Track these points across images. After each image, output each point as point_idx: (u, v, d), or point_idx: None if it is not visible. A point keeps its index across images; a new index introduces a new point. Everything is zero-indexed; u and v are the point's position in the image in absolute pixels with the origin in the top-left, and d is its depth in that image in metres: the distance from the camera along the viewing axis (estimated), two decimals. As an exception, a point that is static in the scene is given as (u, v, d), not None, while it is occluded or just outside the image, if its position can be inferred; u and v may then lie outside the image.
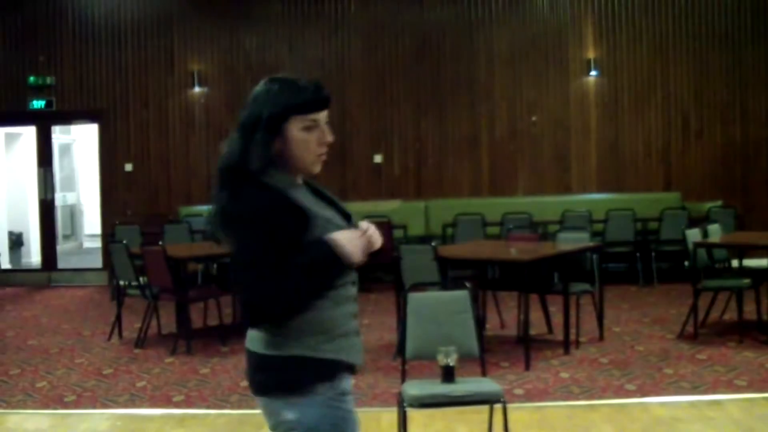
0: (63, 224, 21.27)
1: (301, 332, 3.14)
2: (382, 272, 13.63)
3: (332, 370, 3.21)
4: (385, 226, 13.55)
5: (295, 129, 3.13)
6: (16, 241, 19.16)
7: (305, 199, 3.19)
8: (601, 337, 10.07)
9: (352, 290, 3.29)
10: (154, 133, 16.67)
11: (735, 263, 11.36)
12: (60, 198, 19.98)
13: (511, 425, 5.76)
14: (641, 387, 8.02)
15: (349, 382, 3.31)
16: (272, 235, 3.03)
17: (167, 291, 10.38)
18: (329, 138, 3.20)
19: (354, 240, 3.09)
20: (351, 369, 3.31)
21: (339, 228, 3.17)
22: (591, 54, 15.92)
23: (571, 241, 10.53)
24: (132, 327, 11.21)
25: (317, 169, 3.21)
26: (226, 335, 10.30)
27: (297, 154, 3.16)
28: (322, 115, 3.18)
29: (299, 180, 3.26)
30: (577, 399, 7.74)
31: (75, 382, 8.87)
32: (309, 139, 3.16)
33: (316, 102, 3.17)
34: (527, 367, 8.76)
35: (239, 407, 7.74)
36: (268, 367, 3.20)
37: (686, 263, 10.46)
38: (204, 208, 15.69)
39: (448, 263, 9.47)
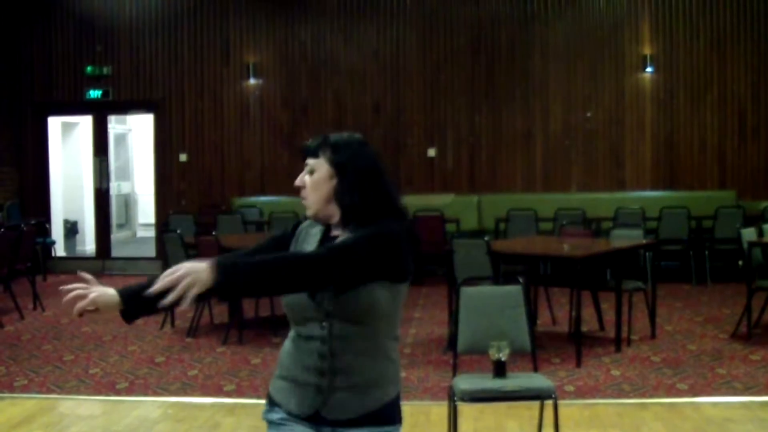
0: (117, 213, 21.49)
1: None
2: (434, 266, 13.63)
3: (269, 398, 3.42)
4: (438, 220, 13.56)
5: None
6: (71, 230, 19.36)
7: (302, 231, 3.44)
8: (653, 336, 10.01)
9: (309, 344, 3.24)
10: (209, 123, 16.77)
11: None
12: (115, 187, 20.19)
13: (561, 422, 5.74)
14: (693, 386, 7.95)
15: (277, 415, 3.36)
16: None
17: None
18: (296, 183, 3.33)
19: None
20: (285, 409, 3.34)
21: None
22: (647, 50, 15.80)
23: (624, 238, 10.49)
24: (184, 316, 11.27)
25: (307, 212, 3.33)
26: (278, 326, 10.32)
27: None
28: (306, 165, 3.32)
29: (315, 222, 3.39)
30: (628, 397, 7.70)
31: (127, 369, 8.95)
32: None
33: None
34: (578, 364, 8.72)
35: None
36: None
37: (740, 262, 10.35)
38: (257, 200, 15.80)
39: (500, 258, 9.44)
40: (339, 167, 3.24)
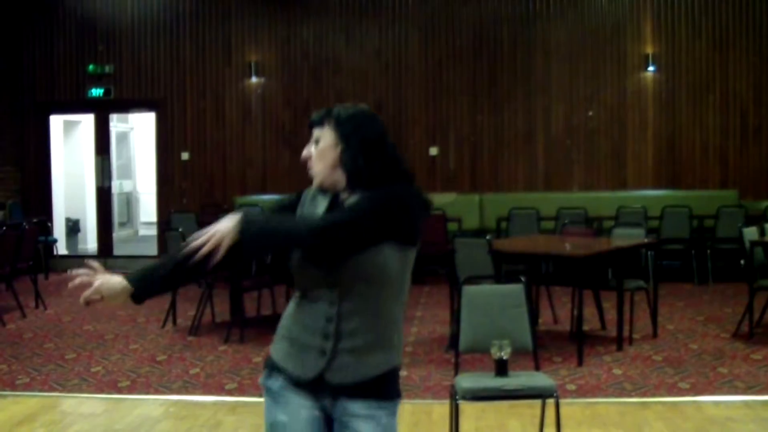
0: (119, 212, 21.50)
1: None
2: (436, 265, 13.61)
3: (269, 362, 3.44)
4: (439, 219, 13.55)
5: None
6: (72, 228, 19.36)
7: (308, 197, 3.44)
8: (655, 335, 10.01)
9: (315, 306, 3.27)
10: (211, 122, 16.77)
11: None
12: (117, 185, 20.20)
13: (562, 421, 5.74)
14: (695, 385, 7.95)
15: (277, 383, 3.39)
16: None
17: (221, 280, 10.44)
18: (303, 155, 3.38)
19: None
20: (286, 374, 3.36)
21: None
22: (649, 49, 15.79)
23: (626, 237, 10.48)
24: (186, 315, 11.29)
25: (314, 182, 3.37)
26: (279, 325, 10.30)
27: None
28: (312, 136, 3.37)
29: (321, 190, 3.40)
30: (630, 396, 7.70)
31: (129, 367, 8.95)
32: None
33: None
34: (580, 363, 8.72)
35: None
36: None
37: (742, 262, 10.35)
38: (259, 198, 15.79)
39: (502, 257, 9.44)
40: (343, 134, 3.28)
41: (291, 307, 3.40)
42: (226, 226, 3.04)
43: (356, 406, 3.28)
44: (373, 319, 3.26)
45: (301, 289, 3.34)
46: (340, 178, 3.29)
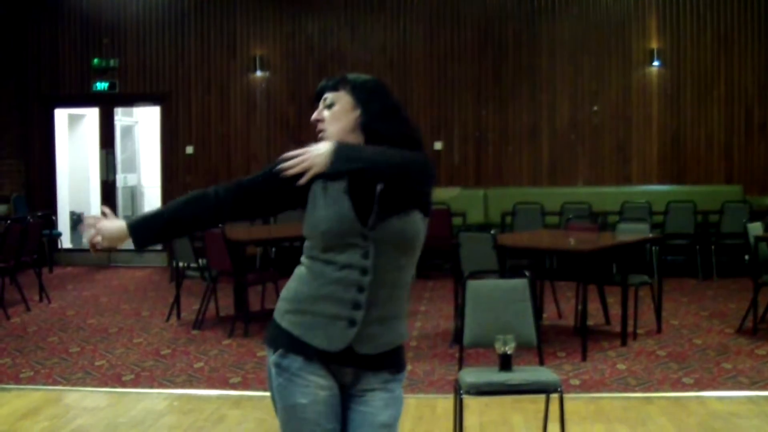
0: (124, 205, 21.43)
1: (282, 296, 3.40)
2: (440, 260, 13.62)
3: (285, 339, 3.30)
4: (444, 214, 13.54)
5: None
6: (77, 221, 19.34)
7: None
8: (659, 330, 10.00)
9: (344, 273, 3.18)
10: (216, 116, 16.77)
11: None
12: (121, 179, 20.15)
13: (566, 416, 5.73)
14: (699, 381, 7.94)
15: (296, 362, 3.27)
16: None
17: (226, 274, 10.43)
18: (314, 116, 3.35)
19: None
20: (308, 349, 3.24)
21: None
22: (654, 44, 15.77)
23: (630, 232, 10.46)
24: (190, 309, 11.30)
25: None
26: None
27: None
28: (321, 103, 3.35)
29: None
30: (634, 391, 7.69)
31: (133, 361, 8.96)
32: None
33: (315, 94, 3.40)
34: (584, 358, 8.71)
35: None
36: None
37: (747, 257, 10.35)
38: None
39: (506, 252, 9.43)
40: (361, 99, 3.28)
41: (304, 278, 3.30)
42: (319, 150, 3.05)
43: (374, 379, 3.29)
44: (397, 288, 3.27)
45: (324, 252, 3.24)
46: (356, 141, 3.25)
